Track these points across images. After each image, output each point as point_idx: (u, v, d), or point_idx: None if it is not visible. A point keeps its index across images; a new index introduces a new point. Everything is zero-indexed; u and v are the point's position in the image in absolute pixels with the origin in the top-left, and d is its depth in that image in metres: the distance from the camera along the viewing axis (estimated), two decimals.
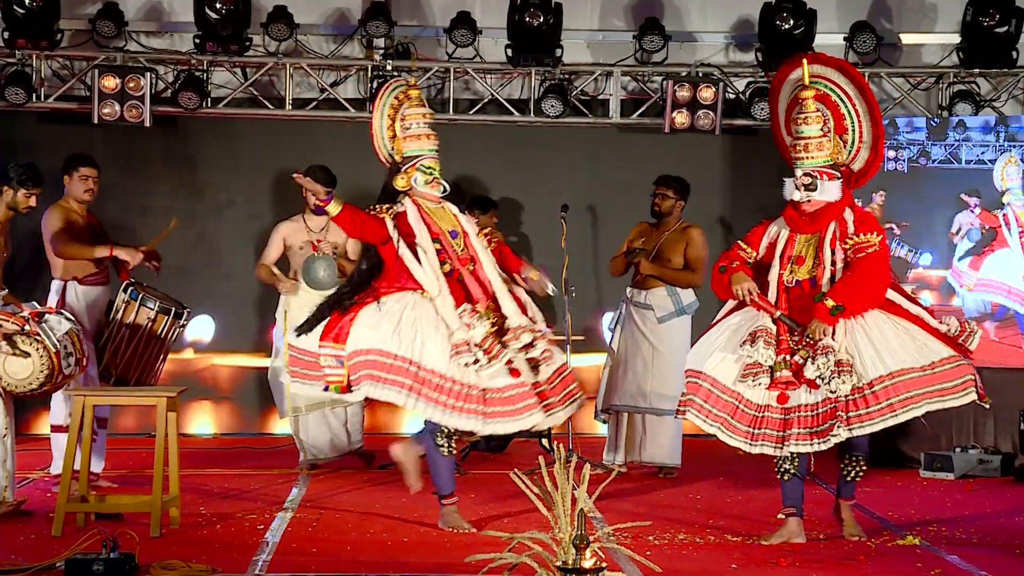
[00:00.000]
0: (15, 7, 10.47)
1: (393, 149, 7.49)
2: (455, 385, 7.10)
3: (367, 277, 7.42)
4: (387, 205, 7.40)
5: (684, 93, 10.89)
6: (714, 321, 7.34)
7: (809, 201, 7.04)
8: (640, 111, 11.31)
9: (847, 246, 7.03)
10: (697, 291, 9.36)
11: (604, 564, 4.90)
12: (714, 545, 7.03)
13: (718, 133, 11.01)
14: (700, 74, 11.07)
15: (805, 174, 7.03)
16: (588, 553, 4.85)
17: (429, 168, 7.39)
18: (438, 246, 7.32)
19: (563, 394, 7.37)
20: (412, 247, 7.29)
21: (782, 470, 7.03)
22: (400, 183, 7.40)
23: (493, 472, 9.10)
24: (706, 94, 10.89)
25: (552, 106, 10.95)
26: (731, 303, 7.26)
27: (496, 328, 7.23)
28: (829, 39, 11.02)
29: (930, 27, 11.43)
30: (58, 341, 7.36)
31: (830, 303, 6.89)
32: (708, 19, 11.46)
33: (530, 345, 7.25)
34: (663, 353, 9.22)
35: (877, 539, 7.15)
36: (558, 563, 4.91)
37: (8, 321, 7.27)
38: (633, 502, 8.21)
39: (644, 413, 9.23)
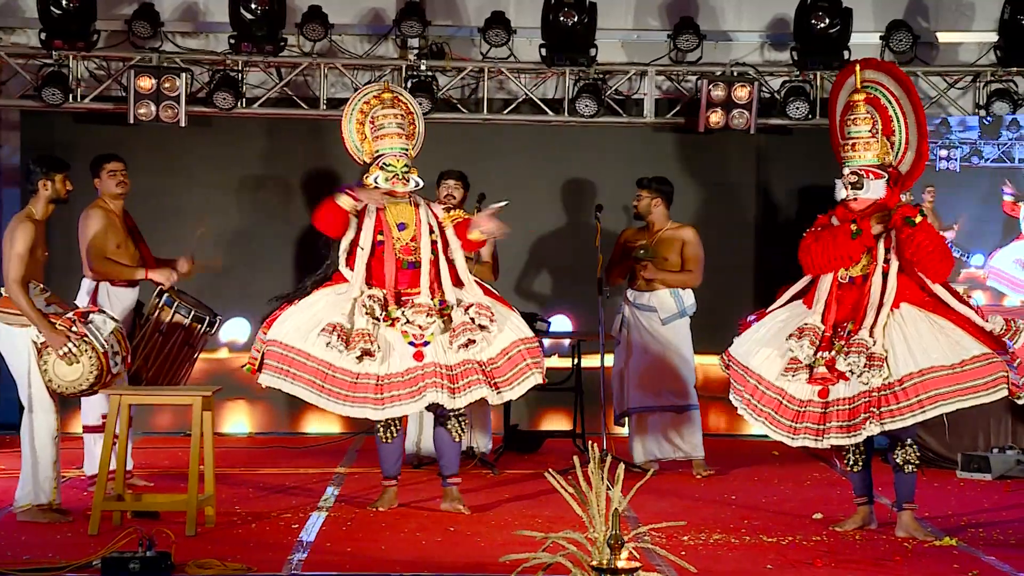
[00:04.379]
0: (52, 8, 10.52)
1: (363, 150, 7.97)
2: (345, 375, 7.48)
3: (329, 270, 7.79)
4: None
5: (719, 92, 10.87)
6: (765, 310, 7.51)
7: (856, 199, 7.24)
8: (675, 111, 11.28)
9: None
10: (695, 291, 9.37)
11: (639, 564, 4.89)
12: (749, 545, 7.00)
13: (753, 132, 10.99)
14: (735, 73, 11.03)
15: (852, 172, 7.23)
16: (623, 553, 4.84)
17: (390, 166, 7.74)
18: (382, 237, 7.68)
19: (511, 373, 7.62)
20: (356, 240, 7.72)
21: (851, 462, 7.30)
22: (367, 181, 7.77)
23: (527, 472, 9.10)
24: (741, 93, 10.86)
25: (586, 106, 10.93)
26: (783, 299, 7.45)
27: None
28: (865, 38, 10.97)
29: (967, 25, 11.35)
30: (105, 341, 7.38)
31: (911, 219, 7.04)
32: (743, 18, 11.42)
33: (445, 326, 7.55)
34: (672, 352, 9.23)
35: (914, 540, 7.12)
36: (593, 563, 4.91)
37: (56, 323, 7.30)
38: (667, 502, 8.18)
39: (665, 411, 9.23)
